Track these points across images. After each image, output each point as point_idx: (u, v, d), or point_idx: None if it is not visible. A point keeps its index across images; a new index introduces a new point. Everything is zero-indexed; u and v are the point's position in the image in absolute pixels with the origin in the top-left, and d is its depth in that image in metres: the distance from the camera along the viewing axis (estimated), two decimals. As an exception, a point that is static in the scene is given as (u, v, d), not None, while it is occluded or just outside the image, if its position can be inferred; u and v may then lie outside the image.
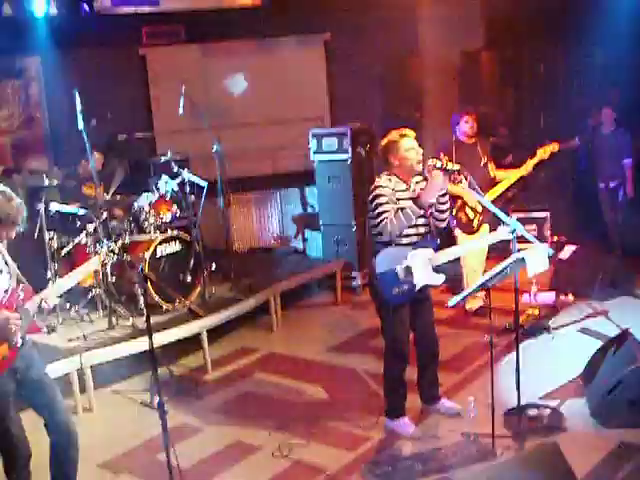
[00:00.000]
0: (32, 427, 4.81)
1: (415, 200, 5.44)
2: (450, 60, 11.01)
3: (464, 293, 5.42)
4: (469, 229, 7.86)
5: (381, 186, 5.49)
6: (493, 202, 7.59)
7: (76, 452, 4.83)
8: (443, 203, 5.58)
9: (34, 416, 4.77)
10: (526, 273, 5.28)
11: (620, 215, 9.57)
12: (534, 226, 10.00)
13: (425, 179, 5.61)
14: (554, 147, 7.87)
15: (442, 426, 5.82)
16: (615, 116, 9.33)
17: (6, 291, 4.55)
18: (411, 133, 5.61)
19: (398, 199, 5.48)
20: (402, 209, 5.39)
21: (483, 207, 7.69)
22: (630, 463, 4.99)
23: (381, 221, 5.39)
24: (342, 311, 8.97)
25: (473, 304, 8.16)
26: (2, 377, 4.50)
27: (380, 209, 5.42)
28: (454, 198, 7.58)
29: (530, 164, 7.85)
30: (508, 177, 7.91)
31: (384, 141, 5.64)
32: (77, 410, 6.52)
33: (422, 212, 5.46)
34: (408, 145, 5.54)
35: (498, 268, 5.07)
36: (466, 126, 7.93)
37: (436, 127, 9.95)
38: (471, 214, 7.85)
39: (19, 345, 4.54)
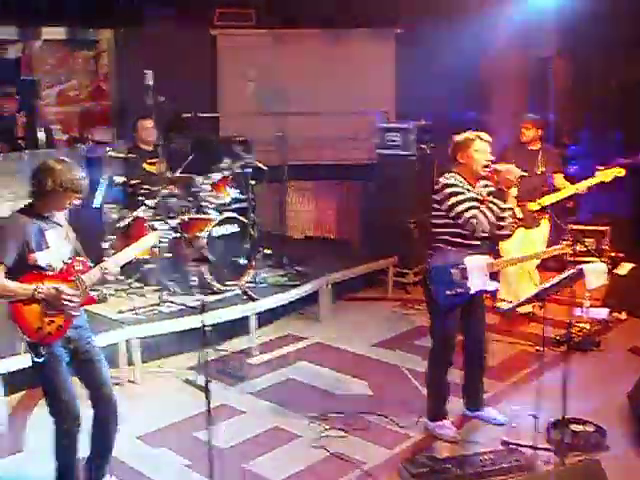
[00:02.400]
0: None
1: (497, 193, 5.42)
2: (522, 65, 10.87)
3: (520, 300, 5.36)
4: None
5: (452, 184, 5.45)
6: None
7: (116, 425, 4.91)
8: (504, 209, 5.51)
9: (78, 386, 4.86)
10: (581, 286, 5.23)
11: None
12: (592, 240, 9.83)
13: (492, 185, 5.56)
14: (619, 172, 7.64)
15: (483, 433, 5.79)
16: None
17: (64, 262, 4.64)
18: (488, 138, 5.57)
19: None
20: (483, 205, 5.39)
21: (524, 212, 7.61)
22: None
23: (470, 217, 5.33)
24: (391, 307, 8.93)
25: (522, 308, 8.04)
26: (56, 345, 4.58)
27: (465, 205, 5.37)
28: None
29: (586, 184, 7.66)
30: (568, 188, 7.78)
31: (459, 137, 5.60)
32: (122, 381, 6.60)
33: (507, 206, 5.44)
34: (481, 147, 5.49)
35: (557, 279, 5.01)
36: (522, 132, 7.98)
37: (502, 131, 9.84)
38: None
39: (74, 316, 4.62)
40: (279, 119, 8.68)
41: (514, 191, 6.20)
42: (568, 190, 7.77)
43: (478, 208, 5.35)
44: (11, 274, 4.44)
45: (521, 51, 10.65)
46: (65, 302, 4.50)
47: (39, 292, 4.42)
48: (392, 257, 9.33)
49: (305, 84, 10.68)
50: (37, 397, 5.90)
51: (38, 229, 4.53)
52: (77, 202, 4.62)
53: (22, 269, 4.47)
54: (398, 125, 9.65)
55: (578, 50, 10.61)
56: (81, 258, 4.75)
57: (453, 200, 5.38)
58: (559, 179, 7.92)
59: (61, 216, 4.72)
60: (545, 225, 8.11)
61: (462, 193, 5.40)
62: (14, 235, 4.45)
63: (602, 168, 7.74)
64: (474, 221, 5.31)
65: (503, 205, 5.43)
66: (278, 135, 8.57)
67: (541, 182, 7.82)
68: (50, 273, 4.54)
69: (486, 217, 5.33)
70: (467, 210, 5.34)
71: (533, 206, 7.71)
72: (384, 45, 11.16)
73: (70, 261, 4.66)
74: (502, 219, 5.50)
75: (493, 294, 7.96)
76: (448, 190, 5.42)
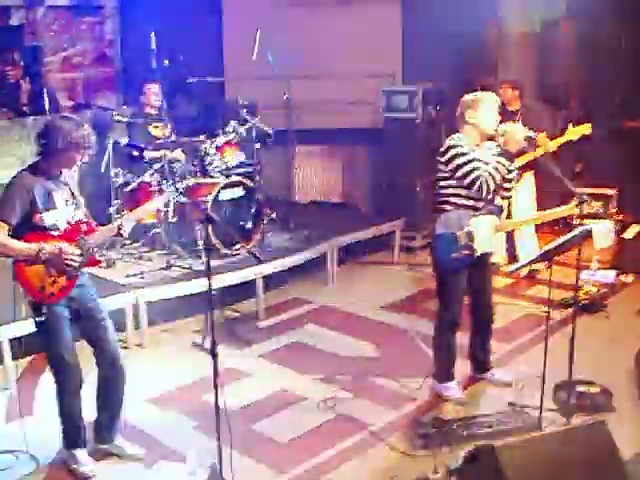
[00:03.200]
0: (83, 357, 4.90)
1: (503, 153, 5.38)
2: (529, 27, 10.78)
3: (526, 260, 5.35)
4: None
5: (457, 145, 5.40)
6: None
7: (123, 385, 4.95)
8: (510, 171, 5.48)
9: (85, 347, 4.89)
10: (588, 249, 5.21)
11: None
12: (600, 203, 9.78)
13: (498, 146, 5.51)
14: (586, 128, 7.59)
15: (489, 394, 5.83)
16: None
17: (69, 223, 4.64)
18: (496, 98, 5.53)
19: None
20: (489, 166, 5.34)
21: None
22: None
23: (476, 177, 5.28)
24: (398, 271, 8.94)
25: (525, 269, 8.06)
26: (58, 305, 4.61)
27: (470, 165, 5.31)
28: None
29: (556, 142, 7.66)
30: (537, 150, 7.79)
31: (467, 97, 5.55)
32: (129, 345, 6.65)
33: (513, 167, 5.41)
34: (489, 107, 5.45)
35: (563, 238, 4.99)
36: (500, 93, 7.88)
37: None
38: None
39: (77, 277, 4.63)
40: (285, 83, 8.62)
41: None
42: (539, 150, 7.74)
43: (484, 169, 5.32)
44: (16, 233, 4.45)
45: (529, 13, 10.57)
46: (67, 262, 4.51)
47: (43, 252, 4.43)
48: (399, 220, 9.30)
49: (312, 47, 10.59)
50: (46, 361, 5.95)
51: (45, 189, 4.54)
52: (86, 159, 4.61)
53: (27, 228, 4.48)
54: (404, 88, 9.60)
55: (586, 12, 10.51)
56: (87, 219, 4.76)
57: (459, 161, 5.34)
58: (541, 138, 7.87)
59: (68, 176, 4.72)
60: (530, 184, 8.18)
61: (467, 154, 5.36)
62: (20, 194, 4.45)
63: (571, 124, 7.69)
64: (480, 181, 5.28)
65: (510, 166, 5.40)
66: (285, 99, 8.53)
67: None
68: (55, 233, 4.56)
69: (492, 178, 5.30)
70: (473, 171, 5.30)
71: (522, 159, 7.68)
72: (390, 7, 11.05)
73: (75, 222, 4.67)
74: (509, 180, 5.47)
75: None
76: (453, 151, 5.38)
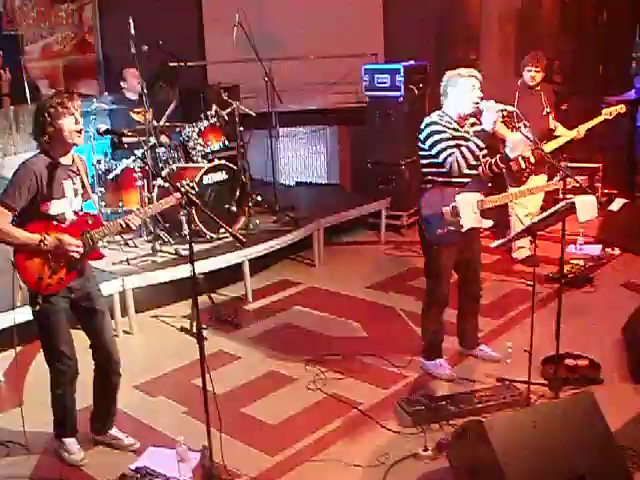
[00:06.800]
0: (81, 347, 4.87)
1: (478, 133, 5.34)
2: (511, 3, 10.76)
3: (510, 236, 5.35)
4: (518, 179, 7.63)
5: (435, 122, 5.38)
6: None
7: (118, 377, 4.94)
8: (482, 149, 5.38)
9: (82, 337, 4.85)
10: (574, 223, 5.22)
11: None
12: (585, 177, 9.80)
13: (480, 122, 5.47)
14: (621, 108, 7.58)
15: (478, 370, 5.82)
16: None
17: (76, 213, 4.60)
18: (478, 75, 5.47)
19: (453, 137, 5.37)
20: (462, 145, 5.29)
21: (536, 158, 7.55)
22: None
23: (447, 156, 5.26)
24: (385, 250, 8.95)
25: (520, 253, 8.08)
26: (57, 295, 4.56)
27: (443, 144, 5.30)
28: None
29: (591, 123, 7.61)
30: (566, 133, 7.72)
31: (449, 73, 5.49)
32: (117, 332, 6.61)
33: (484, 147, 5.37)
34: (470, 83, 5.39)
35: (547, 212, 4.99)
36: (527, 75, 7.75)
37: (492, 70, 9.75)
38: (523, 164, 7.61)
39: (77, 269, 4.59)
40: (267, 65, 8.58)
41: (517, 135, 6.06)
42: (571, 133, 7.69)
43: (459, 147, 5.29)
44: (20, 219, 4.41)
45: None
46: (68, 255, 4.46)
47: (44, 243, 4.38)
48: (384, 199, 9.29)
49: (292, 28, 10.54)
50: (35, 352, 5.94)
51: (54, 176, 4.46)
52: (78, 127, 4.49)
53: (32, 216, 4.42)
54: (386, 66, 9.54)
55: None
56: (94, 212, 4.70)
57: (432, 140, 5.33)
58: (552, 120, 7.86)
59: (80, 165, 4.67)
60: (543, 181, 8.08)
61: (442, 132, 5.33)
62: (28, 181, 4.37)
63: (605, 106, 7.69)
64: (450, 160, 5.25)
65: (482, 145, 5.32)
66: (266, 81, 8.49)
67: (546, 124, 7.72)
68: (59, 223, 4.50)
69: (464, 158, 5.24)
70: (444, 150, 5.28)
71: (548, 147, 7.59)
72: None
73: (83, 213, 4.62)
74: (478, 158, 5.40)
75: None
76: (429, 129, 5.37)
